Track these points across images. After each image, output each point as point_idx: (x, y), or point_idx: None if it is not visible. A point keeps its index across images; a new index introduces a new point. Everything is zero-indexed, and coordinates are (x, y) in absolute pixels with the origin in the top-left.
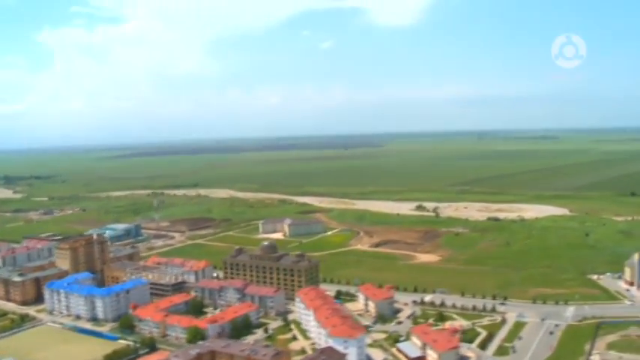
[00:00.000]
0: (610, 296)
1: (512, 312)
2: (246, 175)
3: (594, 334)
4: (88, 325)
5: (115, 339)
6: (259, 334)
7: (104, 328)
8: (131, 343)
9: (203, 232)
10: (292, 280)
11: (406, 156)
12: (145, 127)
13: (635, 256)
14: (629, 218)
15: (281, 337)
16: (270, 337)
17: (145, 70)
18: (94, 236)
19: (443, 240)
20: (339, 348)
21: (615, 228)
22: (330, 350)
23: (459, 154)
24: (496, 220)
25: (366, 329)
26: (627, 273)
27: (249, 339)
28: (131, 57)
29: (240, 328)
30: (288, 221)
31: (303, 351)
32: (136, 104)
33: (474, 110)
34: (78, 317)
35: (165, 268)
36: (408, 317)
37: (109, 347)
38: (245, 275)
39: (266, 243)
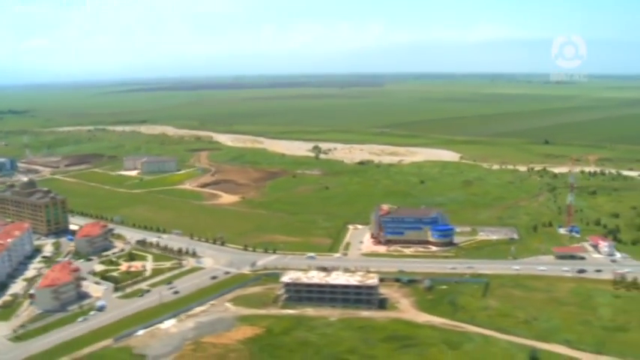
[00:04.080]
0: (332, 248)
1: (208, 257)
2: (212, 112)
3: (241, 284)
4: None
5: None
6: None
7: None
8: None
9: (76, 167)
10: (36, 215)
11: (389, 96)
12: (175, 64)
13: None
14: (497, 167)
15: None
16: None
17: (177, 6)
18: None
19: (273, 182)
20: None
21: (462, 177)
22: None
23: (445, 96)
24: (362, 163)
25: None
26: (371, 225)
27: None
28: None
29: None
30: (143, 159)
31: None
32: (168, 41)
33: (504, 52)
34: None
35: None
36: (106, 255)
37: None
38: (8, 210)
39: (25, 179)
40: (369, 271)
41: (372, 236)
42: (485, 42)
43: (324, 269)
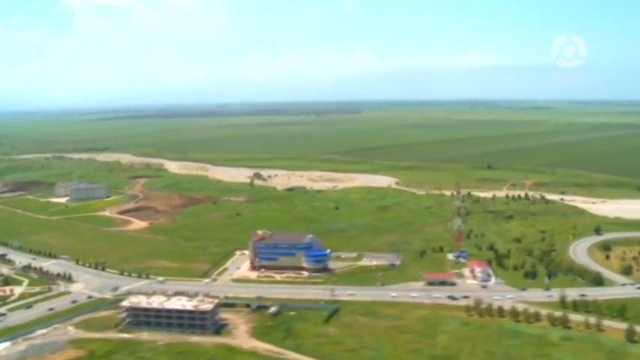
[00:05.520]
0: (206, 274)
1: (81, 282)
2: (174, 140)
3: (92, 308)
4: None
5: None
6: None
7: None
8: None
9: (11, 194)
10: None
11: (361, 123)
12: (164, 91)
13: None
14: (423, 192)
15: None
16: None
17: (166, 33)
18: None
19: (191, 209)
20: None
21: (383, 203)
22: None
23: (417, 122)
24: (290, 190)
25: None
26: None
27: None
28: (152, 20)
29: None
30: (72, 186)
31: None
32: (157, 68)
33: (491, 79)
34: None
35: None
36: None
37: None
38: None
39: None
40: (226, 296)
41: (250, 262)
42: (473, 69)
43: (171, 295)
